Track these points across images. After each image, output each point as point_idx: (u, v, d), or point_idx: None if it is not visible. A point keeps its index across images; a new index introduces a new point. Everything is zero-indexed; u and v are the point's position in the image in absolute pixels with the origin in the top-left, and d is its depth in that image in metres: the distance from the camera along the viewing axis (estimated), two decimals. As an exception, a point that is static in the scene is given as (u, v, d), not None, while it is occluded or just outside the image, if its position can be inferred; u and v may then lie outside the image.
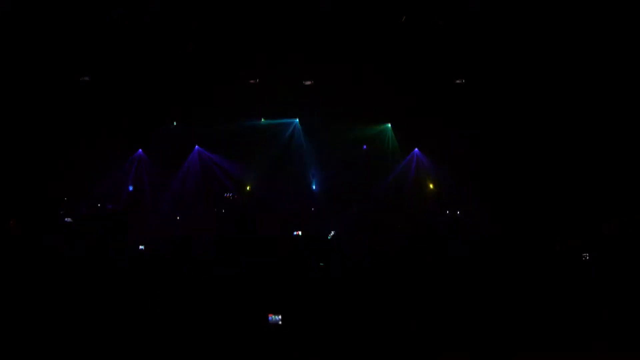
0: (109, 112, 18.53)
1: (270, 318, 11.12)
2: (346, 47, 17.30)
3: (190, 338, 10.84)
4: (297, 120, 19.80)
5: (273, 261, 14.21)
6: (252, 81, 18.62)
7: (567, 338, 11.06)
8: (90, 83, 18.40)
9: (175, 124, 19.56)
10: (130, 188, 19.46)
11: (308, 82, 18.53)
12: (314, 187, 19.92)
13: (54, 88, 17.98)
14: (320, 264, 14.77)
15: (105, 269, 13.79)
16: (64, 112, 18.28)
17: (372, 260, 14.35)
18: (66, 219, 17.78)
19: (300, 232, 16.93)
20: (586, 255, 13.76)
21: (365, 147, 20.09)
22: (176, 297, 12.16)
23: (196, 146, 19.94)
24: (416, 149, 19.75)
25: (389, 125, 19.57)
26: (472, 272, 12.93)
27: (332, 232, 16.18)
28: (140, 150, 19.63)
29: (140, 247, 15.98)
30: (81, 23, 16.54)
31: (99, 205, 19.04)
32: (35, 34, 16.62)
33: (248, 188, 19.78)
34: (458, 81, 18.23)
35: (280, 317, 11.18)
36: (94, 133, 18.47)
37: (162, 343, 10.60)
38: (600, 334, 11.07)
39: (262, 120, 19.57)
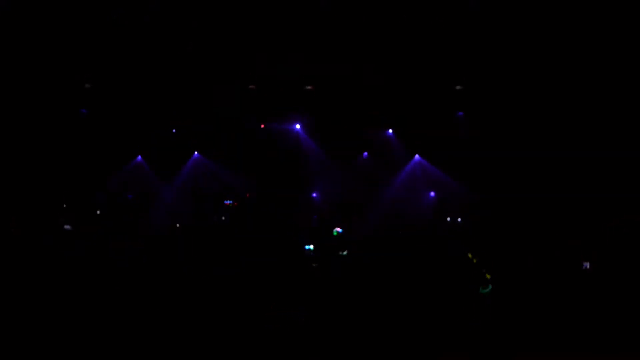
0: (109, 114, 18.49)
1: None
2: (346, 47, 17.29)
3: (190, 338, 10.84)
4: (298, 126, 19.67)
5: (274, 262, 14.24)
6: (251, 87, 18.55)
7: (567, 338, 11.07)
8: (90, 83, 18.38)
9: (174, 131, 19.46)
10: (130, 196, 19.39)
11: (309, 87, 18.45)
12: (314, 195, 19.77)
13: (54, 89, 17.98)
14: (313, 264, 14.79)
15: (105, 269, 13.80)
16: (63, 112, 18.28)
17: (372, 261, 14.37)
18: (65, 227, 17.70)
19: (312, 247, 16.75)
20: (587, 265, 13.78)
21: (366, 154, 19.95)
22: (176, 298, 12.17)
23: (195, 152, 19.82)
24: (417, 156, 19.59)
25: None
26: (472, 273, 12.93)
27: (345, 252, 15.96)
28: (139, 156, 19.53)
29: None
30: (81, 23, 16.53)
31: (98, 212, 18.95)
32: (35, 34, 16.62)
33: (248, 195, 19.70)
34: (458, 87, 18.17)
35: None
36: (94, 135, 18.45)
37: (162, 343, 10.60)
38: (600, 334, 11.08)
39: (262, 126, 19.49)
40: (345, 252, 15.52)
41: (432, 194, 19.11)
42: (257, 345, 10.59)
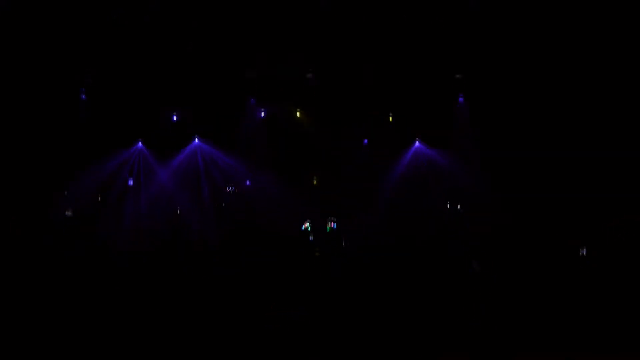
0: (108, 108, 18.40)
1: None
2: (346, 47, 17.26)
3: (190, 338, 10.84)
4: (298, 113, 19.53)
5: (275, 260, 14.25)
6: (251, 75, 18.41)
7: (567, 338, 11.07)
8: (90, 82, 18.35)
9: (175, 118, 19.34)
10: (131, 182, 19.25)
11: (309, 75, 18.35)
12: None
13: (54, 88, 17.96)
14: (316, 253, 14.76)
15: (105, 269, 13.81)
16: (63, 113, 18.25)
17: (372, 261, 14.36)
18: (67, 213, 17.68)
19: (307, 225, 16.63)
20: (584, 251, 13.76)
21: (366, 141, 19.84)
22: (176, 298, 12.18)
23: (195, 139, 19.69)
24: (417, 142, 19.49)
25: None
26: (472, 272, 12.95)
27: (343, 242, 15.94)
28: (140, 142, 19.40)
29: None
30: (81, 23, 16.52)
31: (99, 199, 18.86)
32: (34, 34, 16.60)
33: (248, 183, 19.59)
34: (458, 76, 18.07)
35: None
36: (93, 130, 18.37)
37: (162, 343, 10.60)
38: (600, 334, 11.09)
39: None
40: (343, 243, 15.54)
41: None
42: (257, 345, 10.59)
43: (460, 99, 18.33)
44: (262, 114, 19.41)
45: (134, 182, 18.99)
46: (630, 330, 11.16)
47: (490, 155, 17.65)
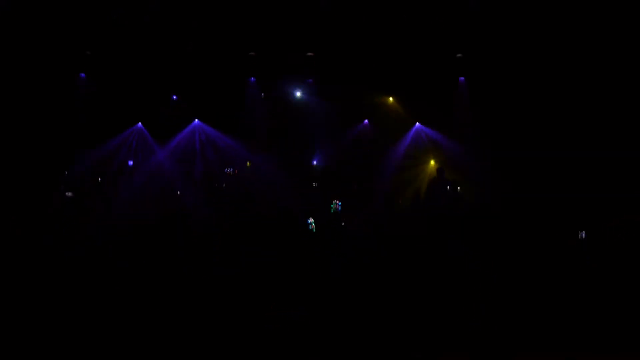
0: (108, 95, 18.38)
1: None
2: (346, 46, 17.31)
3: (190, 338, 10.84)
4: (299, 93, 19.50)
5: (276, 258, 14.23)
6: (251, 53, 18.39)
7: (567, 338, 11.06)
8: (90, 80, 18.44)
9: (175, 97, 19.32)
10: (131, 163, 19.26)
11: (310, 54, 18.39)
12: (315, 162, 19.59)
13: (54, 87, 18.01)
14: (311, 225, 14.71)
15: (105, 269, 13.79)
16: (63, 113, 18.30)
17: (372, 261, 14.34)
18: (67, 194, 17.70)
19: (313, 220, 16.66)
20: (582, 234, 13.75)
21: (366, 121, 19.85)
22: (176, 297, 12.17)
23: (195, 119, 19.61)
24: (418, 124, 19.48)
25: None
26: (472, 271, 12.94)
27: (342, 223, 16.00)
28: (139, 123, 19.35)
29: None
30: (81, 23, 16.57)
31: (99, 179, 18.88)
32: (33, 34, 16.64)
33: (248, 164, 19.56)
34: (459, 55, 18.09)
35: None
36: (92, 121, 18.36)
37: (162, 343, 10.60)
38: (600, 334, 11.08)
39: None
40: (343, 224, 15.56)
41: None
42: (257, 345, 10.59)
43: (461, 79, 18.34)
44: (262, 94, 19.44)
45: (133, 162, 19.03)
46: (630, 330, 11.16)
47: (489, 155, 17.69)
